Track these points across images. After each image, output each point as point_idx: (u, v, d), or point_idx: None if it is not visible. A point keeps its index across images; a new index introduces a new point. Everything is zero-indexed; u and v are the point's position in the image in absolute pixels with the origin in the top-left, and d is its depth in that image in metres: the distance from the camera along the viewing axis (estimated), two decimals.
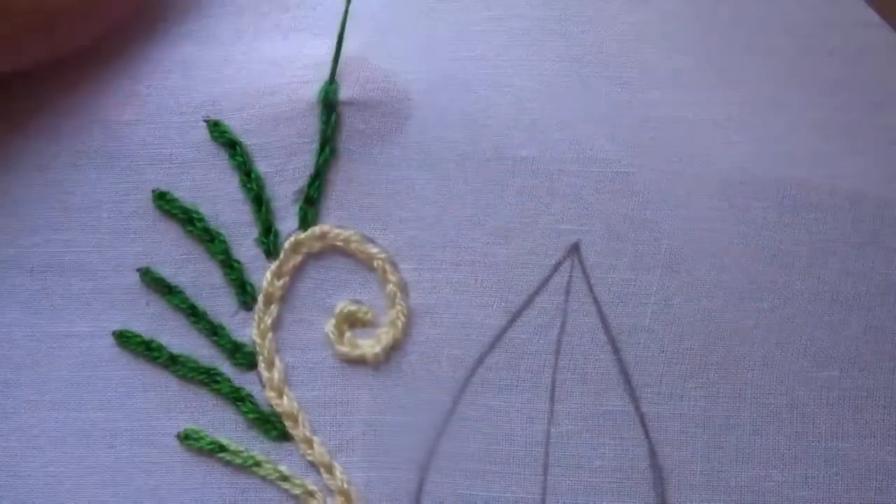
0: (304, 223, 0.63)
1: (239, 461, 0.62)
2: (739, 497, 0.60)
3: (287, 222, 0.63)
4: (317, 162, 0.62)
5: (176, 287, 0.63)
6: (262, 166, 0.63)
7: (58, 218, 0.63)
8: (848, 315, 0.60)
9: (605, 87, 0.62)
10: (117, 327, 0.62)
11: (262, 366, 0.62)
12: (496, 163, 0.62)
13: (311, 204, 0.63)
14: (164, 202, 0.63)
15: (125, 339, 0.62)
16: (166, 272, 0.63)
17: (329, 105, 0.62)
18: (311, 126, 0.63)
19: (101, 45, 0.63)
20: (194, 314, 0.63)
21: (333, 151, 0.62)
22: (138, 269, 0.63)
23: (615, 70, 0.62)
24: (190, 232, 0.63)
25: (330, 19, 0.63)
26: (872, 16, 0.61)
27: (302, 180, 0.63)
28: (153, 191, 0.63)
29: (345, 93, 0.63)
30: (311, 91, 0.63)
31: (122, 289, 0.63)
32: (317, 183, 0.62)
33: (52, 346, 0.63)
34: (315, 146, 0.63)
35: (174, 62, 0.63)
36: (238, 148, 0.63)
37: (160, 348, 0.62)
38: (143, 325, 0.63)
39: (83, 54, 0.63)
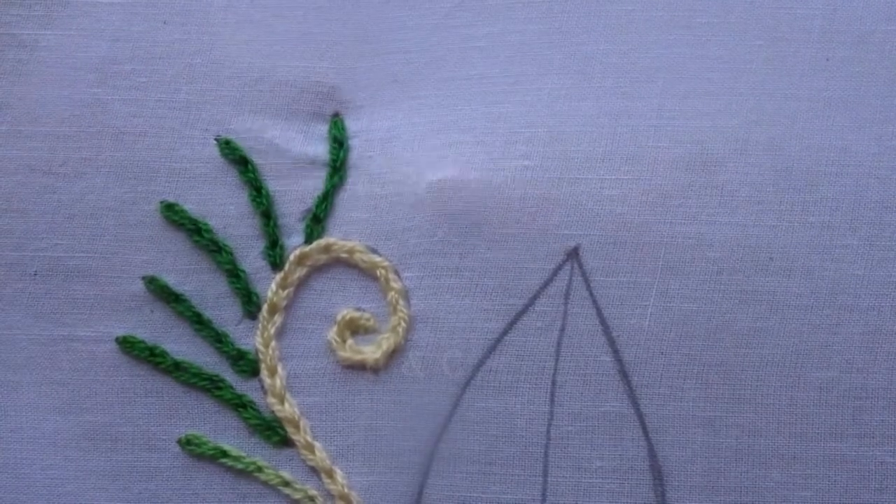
0: (310, 239, 0.64)
1: (240, 466, 0.62)
2: (739, 497, 0.60)
3: (293, 238, 0.64)
4: (326, 186, 0.64)
5: (181, 295, 0.63)
6: (271, 186, 0.64)
7: (63, 223, 0.64)
8: (846, 317, 0.61)
9: (605, 97, 0.63)
10: (121, 333, 0.63)
11: (264, 373, 0.63)
12: (497, 173, 0.63)
13: (317, 222, 0.64)
14: (172, 213, 0.64)
15: (129, 345, 0.63)
16: (172, 281, 0.63)
17: (339, 139, 0.64)
18: (322, 154, 0.64)
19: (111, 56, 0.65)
20: (199, 322, 0.63)
21: (342, 178, 0.64)
22: (143, 277, 0.63)
23: (614, 80, 0.63)
24: (197, 242, 0.64)
25: (343, 38, 0.65)
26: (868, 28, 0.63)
27: (309, 200, 0.64)
28: (161, 201, 0.64)
29: (353, 124, 0.64)
30: (324, 122, 0.64)
31: (126, 296, 0.63)
32: (324, 204, 0.64)
33: (55, 350, 0.63)
34: (325, 172, 0.64)
35: (185, 77, 0.65)
36: (249, 165, 0.64)
37: (164, 354, 0.63)
38: (146, 332, 0.63)
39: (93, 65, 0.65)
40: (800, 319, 0.61)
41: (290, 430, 0.62)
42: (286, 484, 0.62)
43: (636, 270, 0.61)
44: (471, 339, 0.62)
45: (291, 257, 0.63)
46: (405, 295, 0.62)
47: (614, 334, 0.61)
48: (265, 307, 0.63)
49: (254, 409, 0.63)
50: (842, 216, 0.61)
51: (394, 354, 0.62)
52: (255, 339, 0.63)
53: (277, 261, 0.64)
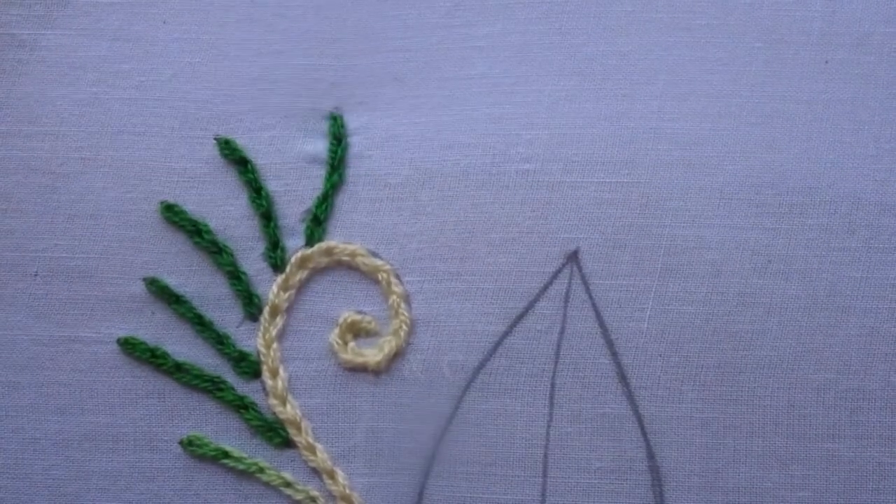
0: (311, 241, 0.64)
1: (242, 467, 0.63)
2: (737, 498, 0.61)
3: (294, 239, 0.64)
4: (325, 186, 0.64)
5: (182, 297, 0.64)
6: (271, 185, 0.64)
7: (63, 223, 0.64)
8: (843, 318, 0.61)
9: (605, 99, 0.63)
10: (122, 334, 0.63)
11: (266, 374, 0.63)
12: (497, 177, 0.63)
13: (317, 223, 0.64)
14: (172, 214, 0.64)
15: (130, 346, 0.63)
16: (173, 282, 0.64)
17: (337, 136, 0.64)
18: (322, 152, 0.64)
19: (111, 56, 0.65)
20: (201, 323, 0.63)
21: (341, 177, 0.64)
22: (144, 279, 0.64)
23: (614, 82, 0.63)
24: (197, 244, 0.64)
25: (342, 36, 0.65)
26: (862, 31, 0.63)
27: (310, 201, 0.64)
28: (161, 202, 0.64)
29: (352, 122, 0.65)
30: (323, 119, 0.64)
31: (127, 297, 0.64)
32: (324, 204, 0.64)
33: (56, 351, 0.63)
34: (324, 171, 0.64)
35: (186, 75, 0.65)
36: (249, 165, 0.64)
37: (165, 356, 0.63)
38: (148, 333, 0.63)
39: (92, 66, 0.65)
40: (797, 321, 0.61)
41: (291, 431, 0.63)
42: (288, 485, 0.63)
43: (635, 273, 0.62)
44: (471, 341, 0.62)
45: (293, 260, 0.64)
46: (406, 298, 0.63)
47: (613, 337, 0.61)
48: (266, 309, 0.64)
49: (255, 411, 0.63)
50: (840, 218, 0.62)
51: (395, 357, 0.62)
52: (257, 340, 0.63)
53: (279, 263, 0.64)
